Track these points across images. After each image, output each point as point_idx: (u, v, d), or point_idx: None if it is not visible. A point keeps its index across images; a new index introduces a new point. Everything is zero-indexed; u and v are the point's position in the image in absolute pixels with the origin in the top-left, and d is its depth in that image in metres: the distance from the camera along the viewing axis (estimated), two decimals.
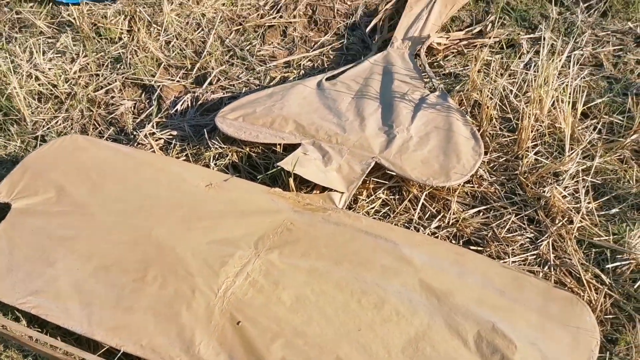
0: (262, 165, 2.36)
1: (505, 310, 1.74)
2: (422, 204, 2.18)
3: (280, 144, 2.34)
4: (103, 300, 1.78)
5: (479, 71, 2.53)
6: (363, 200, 2.22)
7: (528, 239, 2.06)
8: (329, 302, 1.75)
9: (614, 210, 2.11)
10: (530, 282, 1.82)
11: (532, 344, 1.66)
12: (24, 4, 3.41)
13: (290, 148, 2.30)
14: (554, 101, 2.39)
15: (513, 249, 2.02)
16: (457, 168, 2.16)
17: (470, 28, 3.06)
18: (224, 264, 1.84)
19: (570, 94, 2.30)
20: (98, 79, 2.95)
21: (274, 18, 3.23)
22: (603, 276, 1.91)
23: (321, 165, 2.17)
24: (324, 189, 2.13)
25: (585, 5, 3.13)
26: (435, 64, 2.88)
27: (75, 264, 1.88)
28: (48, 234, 1.98)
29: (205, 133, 2.50)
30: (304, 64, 2.99)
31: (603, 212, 2.11)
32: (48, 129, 2.70)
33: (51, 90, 2.86)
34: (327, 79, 2.65)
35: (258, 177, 2.28)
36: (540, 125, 2.37)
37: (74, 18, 3.20)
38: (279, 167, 2.18)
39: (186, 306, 1.74)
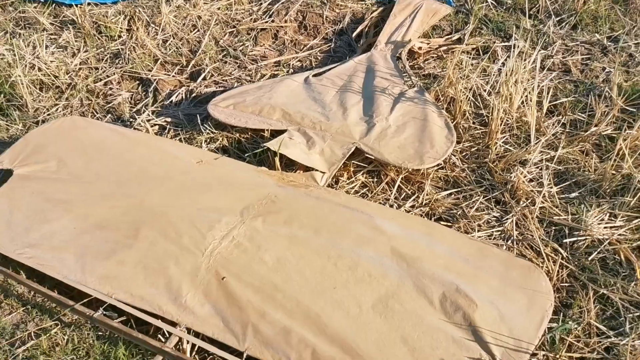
0: (250, 149, 2.52)
1: (469, 275, 1.89)
2: (399, 186, 2.35)
3: (268, 130, 2.50)
4: (96, 253, 1.92)
5: (454, 68, 2.71)
6: (344, 181, 2.38)
7: (494, 218, 2.22)
8: (307, 264, 1.90)
9: (573, 194, 2.28)
10: (493, 252, 1.98)
11: (491, 303, 1.81)
12: (28, 3, 3.59)
13: (277, 134, 2.47)
14: (522, 99, 2.58)
15: (480, 225, 2.18)
16: (431, 153, 2.33)
17: (449, 35, 3.27)
18: (211, 228, 1.98)
19: (536, 92, 2.49)
20: (97, 72, 3.12)
21: (266, 22, 3.43)
22: (561, 250, 2.07)
23: (305, 148, 2.33)
24: (307, 170, 2.28)
25: (558, 19, 3.35)
26: (416, 66, 3.08)
27: (71, 222, 2.02)
28: (46, 197, 2.13)
29: (198, 118, 2.66)
30: (293, 64, 3.17)
31: (564, 196, 2.29)
32: (49, 115, 2.85)
33: (52, 81, 3.02)
34: (313, 75, 2.83)
35: (246, 156, 2.45)
36: (509, 119, 2.55)
37: (77, 16, 3.38)
38: (265, 148, 2.34)
39: (174, 262, 1.89)
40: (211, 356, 1.76)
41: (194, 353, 1.77)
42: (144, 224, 2.02)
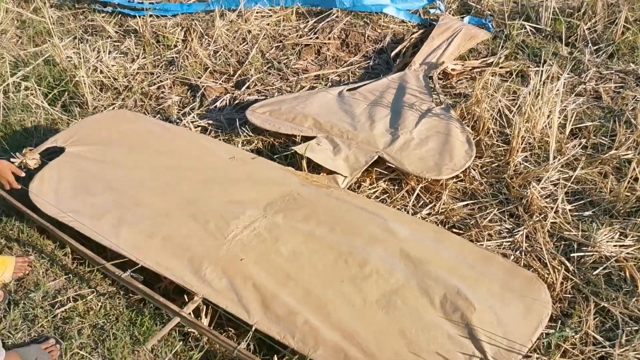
0: (281, 152, 2.70)
1: (472, 280, 1.99)
2: (418, 194, 2.48)
3: (299, 136, 2.69)
4: (130, 225, 2.16)
5: (482, 88, 2.83)
6: (366, 187, 2.53)
7: (506, 229, 2.32)
8: (320, 258, 2.05)
9: (587, 213, 2.35)
10: (497, 261, 2.08)
11: (490, 307, 1.90)
12: (97, 13, 3.93)
13: (307, 140, 2.65)
14: (546, 120, 2.67)
15: (490, 234, 2.28)
16: (449, 165, 2.45)
17: (485, 58, 3.39)
18: (235, 218, 2.17)
19: (557, 114, 2.58)
20: (152, 77, 3.39)
21: (311, 38, 3.64)
22: (568, 263, 2.15)
23: (331, 154, 2.50)
24: (330, 173, 2.45)
25: (595, 47, 3.42)
26: (448, 85, 3.21)
27: (111, 198, 2.29)
28: (92, 174, 2.40)
29: (237, 122, 2.88)
30: (331, 78, 3.36)
31: (577, 213, 2.36)
32: None
33: (112, 82, 3.31)
34: (347, 90, 3.01)
35: (276, 157, 2.64)
36: (531, 138, 2.65)
37: (139, 26, 3.68)
38: (293, 151, 2.52)
39: (198, 241, 2.09)
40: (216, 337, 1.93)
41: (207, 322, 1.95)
42: (175, 207, 2.23)
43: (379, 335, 1.81)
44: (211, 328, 1.90)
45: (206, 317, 1.98)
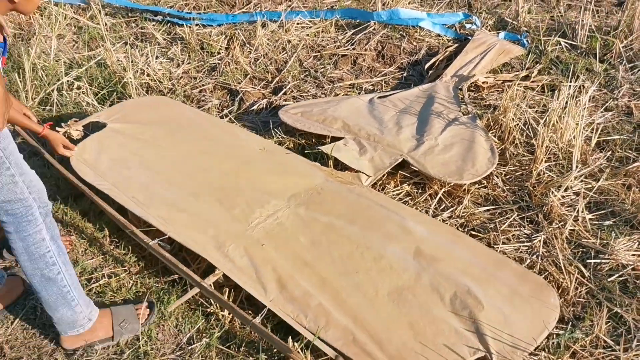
0: (311, 153, 2.82)
1: (483, 281, 2.04)
2: (440, 198, 2.55)
3: (328, 138, 2.80)
4: (162, 199, 2.33)
5: (510, 99, 2.89)
6: (390, 189, 2.61)
7: (525, 234, 2.37)
8: (337, 249, 2.14)
9: (607, 222, 2.38)
10: (510, 265, 2.12)
11: (498, 307, 1.95)
12: (148, 22, 4.17)
13: (335, 141, 2.76)
14: (573, 132, 2.70)
15: (509, 238, 2.33)
16: (471, 171, 2.52)
17: (517, 73, 3.45)
18: (260, 207, 2.30)
19: (586, 127, 2.62)
20: (195, 81, 3.57)
21: (348, 49, 3.77)
22: (584, 269, 2.18)
23: (356, 154, 2.61)
24: (354, 171, 2.55)
25: (630, 65, 3.43)
26: (479, 97, 3.28)
27: (145, 173, 2.47)
28: (130, 150, 2.59)
29: (271, 124, 3.02)
30: (365, 87, 3.48)
31: (597, 223, 2.38)
32: None
33: (157, 85, 3.51)
34: (378, 97, 3.12)
35: (305, 151, 2.76)
36: (556, 148, 2.69)
37: (185, 34, 3.89)
38: (321, 151, 2.64)
39: (223, 223, 2.23)
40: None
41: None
42: (205, 190, 2.40)
43: (388, 325, 1.89)
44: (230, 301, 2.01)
45: (227, 297, 2.09)
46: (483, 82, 3.33)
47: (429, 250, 2.14)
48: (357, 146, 2.67)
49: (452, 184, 2.54)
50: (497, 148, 2.77)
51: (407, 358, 1.78)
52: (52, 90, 3.31)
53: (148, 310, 1.99)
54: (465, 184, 2.53)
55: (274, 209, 2.30)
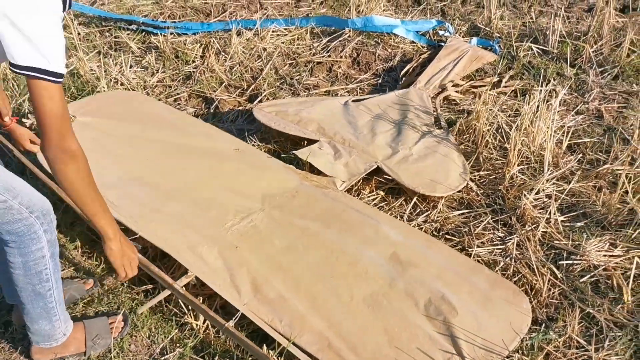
0: (287, 158, 2.82)
1: (457, 287, 2.04)
2: (415, 202, 2.56)
3: (304, 143, 2.80)
4: (135, 199, 2.29)
5: (483, 103, 2.92)
6: (365, 194, 2.62)
7: (498, 237, 2.38)
8: (312, 253, 2.14)
9: (579, 224, 2.41)
10: (483, 271, 2.13)
11: (472, 313, 1.95)
12: (122, 31, 4.14)
13: (311, 144, 2.76)
14: (544, 135, 2.74)
15: (483, 242, 2.35)
16: (444, 184, 2.53)
17: (490, 78, 3.48)
18: (234, 208, 2.30)
19: (557, 130, 2.66)
20: (170, 90, 3.56)
21: (323, 56, 3.79)
22: (556, 271, 2.20)
23: (331, 159, 2.61)
24: (329, 176, 2.55)
25: (600, 69, 3.49)
26: (453, 102, 3.31)
27: (118, 172, 2.44)
28: (100, 145, 2.55)
29: (246, 132, 3.01)
30: (341, 94, 3.49)
31: (570, 224, 2.41)
32: None
33: None
34: (353, 100, 3.13)
35: (282, 156, 2.75)
36: (528, 151, 2.72)
37: (160, 43, 3.87)
38: (295, 155, 2.64)
39: (197, 225, 2.21)
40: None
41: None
42: (178, 190, 2.38)
43: (363, 330, 1.88)
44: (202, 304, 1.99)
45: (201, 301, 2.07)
46: (455, 96, 3.35)
47: (404, 255, 2.15)
48: (332, 150, 2.68)
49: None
50: (472, 153, 2.80)
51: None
52: (24, 101, 3.27)
53: (122, 322, 1.97)
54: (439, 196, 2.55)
55: (248, 211, 2.28)
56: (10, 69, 1.41)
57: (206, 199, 2.35)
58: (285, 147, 2.91)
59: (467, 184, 2.60)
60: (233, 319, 1.89)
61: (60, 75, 1.43)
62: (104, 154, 2.52)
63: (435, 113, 3.08)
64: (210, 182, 2.45)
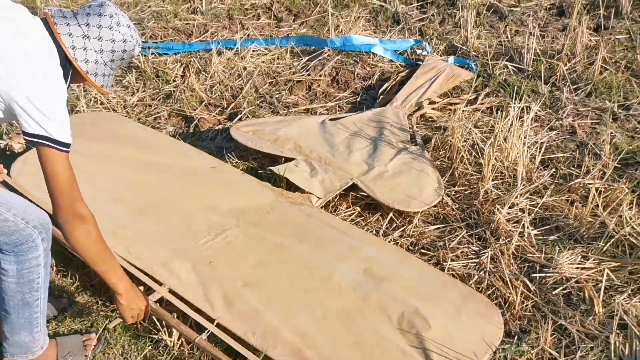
0: (263, 175, 2.83)
1: (430, 301, 2.06)
2: (391, 217, 2.58)
3: (281, 160, 2.82)
4: (107, 216, 2.23)
5: (458, 119, 2.97)
6: (342, 210, 2.64)
7: (473, 251, 2.41)
8: (286, 268, 2.15)
9: (552, 237, 2.44)
10: (456, 285, 2.15)
11: (444, 327, 1.96)
12: None
13: (286, 162, 2.78)
14: (518, 151, 2.78)
15: (457, 255, 2.37)
16: (418, 199, 2.56)
17: (467, 96, 3.54)
18: (208, 225, 2.31)
19: (530, 146, 2.71)
20: (150, 109, 3.58)
21: (303, 75, 3.83)
22: (529, 283, 2.23)
23: (307, 175, 2.63)
24: (305, 192, 2.57)
25: (574, 86, 3.56)
26: (429, 118, 3.35)
27: (92, 190, 2.37)
28: (74, 164, 2.49)
29: (224, 149, 3.03)
30: (320, 112, 3.52)
31: (542, 238, 2.45)
32: None
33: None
34: (330, 119, 3.16)
35: (259, 172, 2.77)
36: (503, 168, 2.76)
37: (141, 62, 3.90)
38: (272, 172, 2.66)
39: (171, 240, 2.22)
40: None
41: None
42: (152, 207, 2.39)
43: (336, 344, 1.89)
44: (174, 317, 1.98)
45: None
46: (431, 113, 3.40)
47: (377, 270, 2.16)
48: (309, 167, 2.70)
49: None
50: (447, 168, 2.84)
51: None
52: None
53: (96, 340, 1.96)
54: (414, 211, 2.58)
55: (222, 227, 2.29)
56: (24, 138, 1.56)
57: (179, 215, 2.36)
58: (263, 164, 2.93)
59: (442, 198, 2.63)
60: (205, 332, 1.90)
61: (68, 145, 1.59)
62: (76, 173, 2.50)
63: (411, 130, 3.12)
64: (184, 198, 2.46)
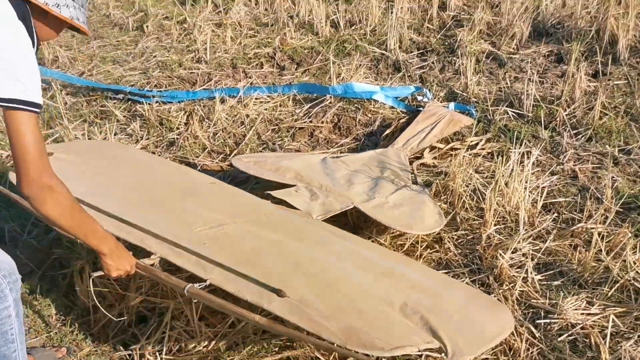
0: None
1: (435, 296, 2.02)
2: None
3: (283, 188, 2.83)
4: (101, 211, 2.22)
5: (459, 165, 2.99)
6: None
7: None
8: (283, 257, 2.13)
9: (556, 282, 2.42)
10: (462, 285, 2.22)
11: (450, 316, 1.91)
12: (109, 100, 4.24)
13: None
14: (520, 195, 2.79)
15: None
16: (420, 226, 2.58)
17: (467, 141, 3.57)
18: (205, 219, 2.29)
19: (532, 191, 2.72)
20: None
21: (305, 122, 3.88)
22: (534, 330, 2.20)
23: (307, 199, 2.65)
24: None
25: (574, 131, 3.59)
26: (431, 165, 3.37)
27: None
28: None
29: None
30: None
31: (547, 283, 2.42)
32: None
33: None
34: (331, 157, 3.20)
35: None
36: (504, 211, 2.76)
37: (145, 111, 3.96)
38: (271, 195, 2.65)
39: (165, 225, 2.18)
40: None
41: None
42: (151, 204, 2.39)
43: (335, 307, 1.85)
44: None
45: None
46: (431, 162, 3.42)
47: (377, 268, 2.15)
48: (309, 193, 2.72)
49: (405, 248, 2.57)
50: (448, 213, 2.84)
51: (356, 335, 1.71)
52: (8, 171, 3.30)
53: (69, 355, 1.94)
54: (415, 234, 2.62)
55: (219, 222, 2.27)
56: None
57: (178, 213, 2.34)
58: (262, 193, 2.94)
59: (445, 243, 2.62)
60: (198, 284, 1.85)
61: (39, 106, 1.45)
62: (75, 178, 2.44)
63: (412, 173, 3.14)
64: (183, 203, 2.45)
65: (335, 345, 1.67)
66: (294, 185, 2.78)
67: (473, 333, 1.84)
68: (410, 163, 3.30)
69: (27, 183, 1.45)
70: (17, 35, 1.44)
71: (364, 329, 1.75)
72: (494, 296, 2.35)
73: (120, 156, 2.91)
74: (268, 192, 2.68)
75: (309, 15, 5.28)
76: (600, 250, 2.48)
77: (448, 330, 1.79)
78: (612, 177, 3.13)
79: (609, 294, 2.31)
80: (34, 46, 1.51)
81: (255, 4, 5.75)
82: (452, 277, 2.49)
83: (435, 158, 3.43)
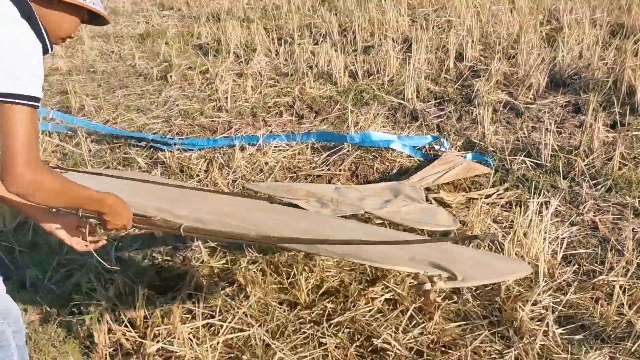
0: None
1: (444, 251, 2.17)
2: (411, 314, 2.55)
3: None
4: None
5: (477, 215, 2.98)
6: (361, 306, 2.61)
7: (496, 350, 2.34)
8: (287, 227, 2.25)
9: (578, 336, 2.37)
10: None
11: (465, 260, 2.06)
12: (132, 147, 4.33)
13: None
14: (539, 246, 2.77)
15: (480, 354, 2.31)
16: (435, 225, 2.71)
17: (485, 191, 3.57)
18: (215, 209, 2.38)
19: (552, 242, 2.71)
20: None
21: (323, 170, 3.92)
22: None
23: (318, 208, 2.78)
24: None
25: (594, 182, 3.57)
26: (447, 202, 3.37)
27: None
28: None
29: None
30: None
31: (568, 337, 2.38)
32: None
33: None
34: (345, 187, 3.28)
35: None
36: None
37: (166, 158, 4.04)
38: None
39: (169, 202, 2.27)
40: None
41: None
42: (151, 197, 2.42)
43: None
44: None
45: None
46: (447, 198, 3.43)
47: (386, 236, 2.29)
48: (319, 204, 2.79)
49: (422, 300, 2.55)
50: None
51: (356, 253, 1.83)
52: None
53: None
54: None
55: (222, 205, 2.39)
56: None
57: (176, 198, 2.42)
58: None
59: (461, 292, 2.60)
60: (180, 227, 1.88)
61: (35, 99, 1.38)
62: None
63: (427, 201, 3.21)
64: (192, 200, 2.52)
65: None
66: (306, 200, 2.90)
67: (485, 270, 1.95)
68: (426, 197, 3.32)
69: (11, 182, 1.37)
70: (17, 34, 1.38)
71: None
72: (515, 350, 2.31)
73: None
74: (279, 197, 2.80)
75: (327, 66, 5.39)
76: (622, 303, 2.44)
77: (459, 267, 1.87)
78: (633, 228, 3.09)
79: (632, 349, 2.25)
80: (45, 44, 1.47)
81: (276, 55, 5.90)
82: (470, 329, 2.46)
83: (449, 198, 3.44)
